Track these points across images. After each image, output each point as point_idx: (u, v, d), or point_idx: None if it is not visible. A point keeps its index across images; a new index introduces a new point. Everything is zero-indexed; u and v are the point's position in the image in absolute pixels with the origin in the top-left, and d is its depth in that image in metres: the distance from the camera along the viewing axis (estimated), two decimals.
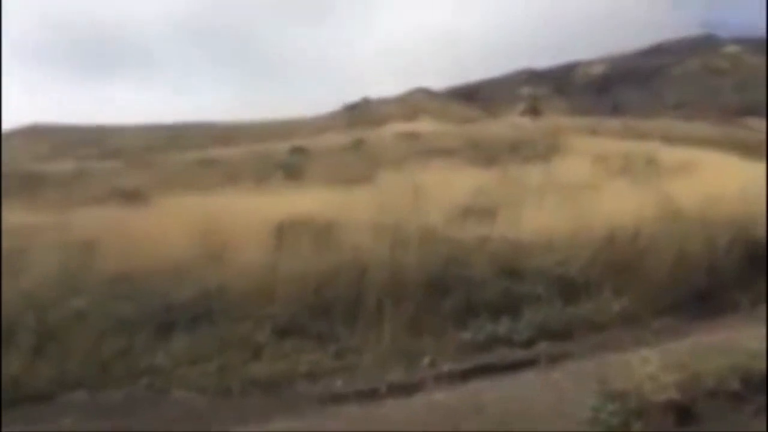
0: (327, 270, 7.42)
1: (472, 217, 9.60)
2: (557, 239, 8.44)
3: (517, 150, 22.80)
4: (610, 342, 6.61)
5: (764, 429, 4.26)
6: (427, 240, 8.16)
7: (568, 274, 7.82)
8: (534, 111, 51.98)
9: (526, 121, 40.54)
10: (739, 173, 13.13)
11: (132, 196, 12.55)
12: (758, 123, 46.25)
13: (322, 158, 22.33)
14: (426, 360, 6.38)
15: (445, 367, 6.22)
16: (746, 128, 41.76)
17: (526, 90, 71.45)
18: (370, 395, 5.69)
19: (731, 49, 76.89)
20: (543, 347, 6.71)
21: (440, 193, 11.12)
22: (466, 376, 6.01)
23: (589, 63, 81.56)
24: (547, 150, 21.75)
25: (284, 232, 8.32)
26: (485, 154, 20.71)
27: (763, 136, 30.39)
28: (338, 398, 5.69)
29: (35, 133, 51.82)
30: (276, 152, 26.15)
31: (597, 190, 11.44)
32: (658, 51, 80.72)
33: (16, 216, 9.45)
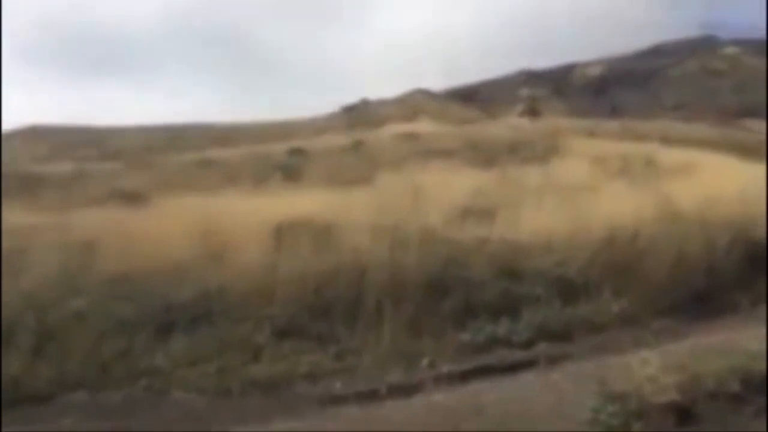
0: (326, 271, 7.42)
1: (471, 218, 9.60)
2: (556, 240, 8.44)
3: (516, 151, 22.81)
4: (610, 343, 6.61)
5: (764, 430, 4.27)
6: (427, 241, 8.16)
7: (567, 275, 7.82)
8: (533, 112, 52.02)
9: (525, 122, 40.57)
10: (738, 174, 13.15)
11: (131, 197, 12.55)
12: (757, 124, 46.32)
13: (320, 159, 22.33)
14: (425, 361, 6.38)
15: (445, 368, 6.22)
16: (745, 129, 41.81)
17: (524, 91, 71.44)
18: (370, 396, 5.69)
19: (730, 50, 76.95)
20: (542, 348, 6.71)
21: (439, 194, 11.12)
22: (465, 377, 6.01)
23: (587, 64, 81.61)
24: (545, 151, 21.77)
25: (283, 233, 8.32)
26: (484, 155, 20.72)
27: (762, 138, 30.43)
28: (338, 399, 5.69)
29: (34, 135, 51.78)
30: (275, 153, 26.15)
31: (596, 192, 11.45)
32: (656, 52, 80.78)
33: (16, 217, 9.45)
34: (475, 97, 73.56)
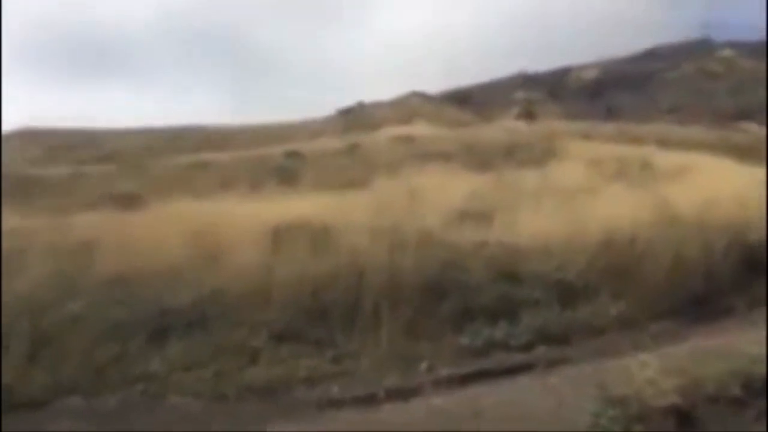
0: (323, 274, 7.40)
1: (469, 221, 9.57)
2: (554, 244, 8.42)
3: (512, 154, 22.79)
4: (608, 346, 6.59)
5: None
6: (424, 244, 8.13)
7: (565, 278, 7.81)
8: (528, 115, 51.96)
9: (521, 125, 40.55)
10: (735, 177, 13.14)
11: (127, 200, 12.48)
12: (753, 127, 46.44)
13: (317, 162, 22.30)
14: (424, 365, 6.35)
15: (443, 371, 6.20)
16: (741, 132, 41.89)
17: (520, 94, 71.47)
18: (368, 400, 5.67)
19: (726, 53, 77.12)
20: (541, 351, 6.69)
21: (436, 198, 11.11)
22: (464, 380, 5.99)
23: (583, 67, 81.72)
24: (542, 154, 21.73)
25: (280, 236, 8.29)
26: (480, 158, 20.69)
27: (759, 140, 30.46)
28: (336, 403, 5.68)
29: (28, 137, 51.59)
30: (271, 156, 26.11)
31: (593, 195, 11.43)
32: (651, 55, 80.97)
33: (11, 219, 9.39)
34: (471, 100, 73.54)
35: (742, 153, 20.87)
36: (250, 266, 7.45)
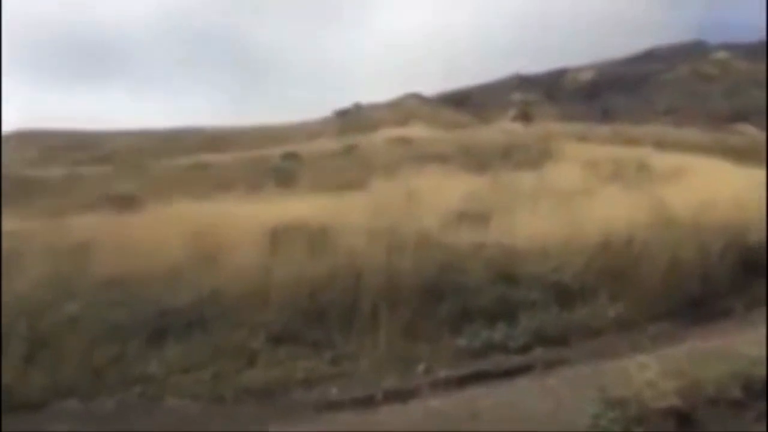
0: (321, 276, 7.40)
1: (466, 222, 9.58)
2: (551, 245, 8.43)
3: (509, 156, 22.77)
4: (606, 348, 6.60)
5: None
6: (422, 246, 8.14)
7: (563, 280, 7.82)
8: (525, 117, 52.01)
9: (518, 127, 40.60)
10: (732, 179, 13.18)
11: (125, 202, 12.47)
12: (749, 128, 46.57)
13: (314, 164, 22.28)
14: (422, 366, 6.35)
15: (441, 373, 6.20)
16: (737, 133, 42.01)
17: (516, 96, 71.55)
18: (366, 402, 5.66)
19: (720, 55, 77.35)
20: (539, 353, 6.70)
21: (433, 199, 11.11)
22: (462, 382, 5.99)
23: (579, 69, 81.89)
24: (538, 156, 21.74)
25: (278, 237, 8.29)
26: (477, 160, 20.67)
27: (754, 142, 30.55)
28: (334, 405, 5.67)
29: (26, 138, 51.51)
30: (268, 158, 26.10)
31: (589, 196, 11.45)
32: (647, 57, 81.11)
33: (9, 221, 9.37)
34: (468, 102, 73.63)
35: (738, 155, 20.92)
36: (248, 267, 7.45)
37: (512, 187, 13.47)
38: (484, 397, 5.60)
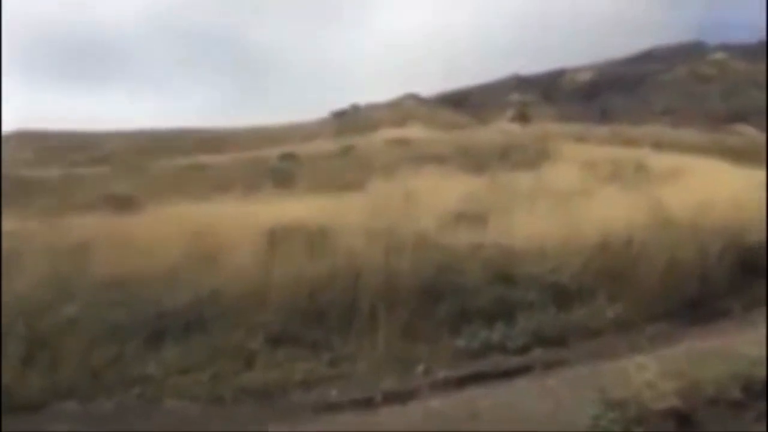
0: (320, 277, 7.39)
1: (464, 223, 9.58)
2: (549, 246, 8.43)
3: (507, 156, 22.80)
4: (605, 348, 6.61)
5: None
6: (420, 246, 8.13)
7: (561, 280, 7.82)
8: (523, 117, 52.10)
9: (516, 128, 40.65)
10: (730, 179, 13.19)
11: (122, 203, 12.45)
12: (747, 129, 46.65)
13: (312, 164, 22.29)
14: (421, 367, 6.35)
15: (440, 374, 6.19)
16: (735, 134, 42.07)
17: (514, 96, 71.64)
18: (365, 403, 5.66)
19: (719, 55, 77.48)
20: (537, 354, 6.70)
21: (432, 200, 11.11)
22: (461, 383, 5.99)
23: (577, 70, 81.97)
24: (536, 156, 21.76)
25: (276, 238, 8.28)
26: (475, 161, 20.68)
27: (753, 142, 30.59)
28: (333, 407, 5.66)
29: (24, 139, 51.43)
30: (266, 158, 26.11)
31: (587, 197, 11.45)
32: (645, 58, 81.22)
33: (8, 222, 9.34)
34: (466, 103, 73.68)
35: (736, 155, 20.96)
36: (246, 269, 7.44)
37: (510, 187, 13.47)
38: (483, 398, 5.60)
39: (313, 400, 5.83)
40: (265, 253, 7.90)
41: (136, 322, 6.61)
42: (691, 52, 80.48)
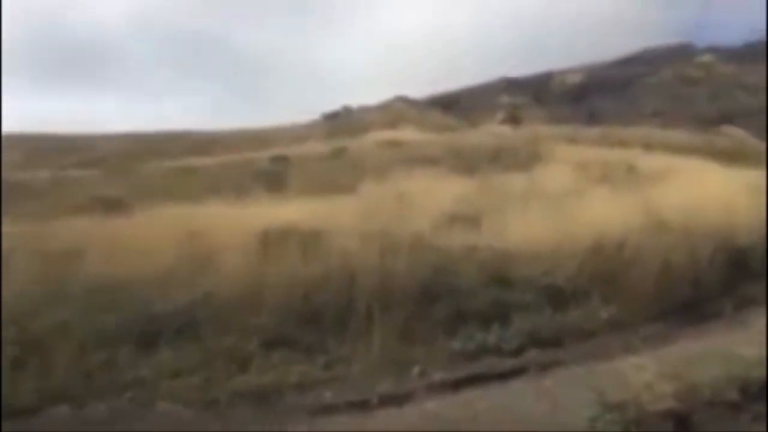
0: (314, 279, 7.36)
1: (458, 225, 9.59)
2: (544, 247, 8.45)
3: (498, 158, 22.83)
4: (600, 349, 6.62)
5: None
6: (414, 249, 8.13)
7: (555, 282, 7.84)
8: (513, 120, 52.25)
9: (506, 130, 40.74)
10: (720, 180, 13.28)
11: (113, 205, 12.37)
12: (736, 131, 46.97)
13: (304, 167, 22.24)
14: (416, 369, 6.33)
15: (436, 376, 6.18)
16: (725, 135, 42.34)
17: (504, 99, 71.77)
18: (361, 406, 5.64)
19: (706, 58, 77.87)
20: (533, 355, 6.70)
21: (424, 202, 11.13)
22: (457, 385, 5.98)
23: (566, 72, 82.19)
24: (527, 158, 21.82)
25: (269, 240, 8.25)
26: (467, 163, 20.70)
27: (742, 144, 30.81)
28: (328, 409, 5.63)
29: (10, 142, 51.02)
30: (257, 161, 26.03)
31: (580, 199, 11.49)
32: (634, 60, 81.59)
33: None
34: (456, 105, 73.75)
35: (725, 157, 21.11)
36: (240, 271, 7.40)
37: (503, 189, 13.52)
38: (480, 400, 5.60)
39: (308, 402, 5.79)
40: (258, 255, 7.87)
41: (129, 325, 6.56)
42: (680, 54, 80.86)
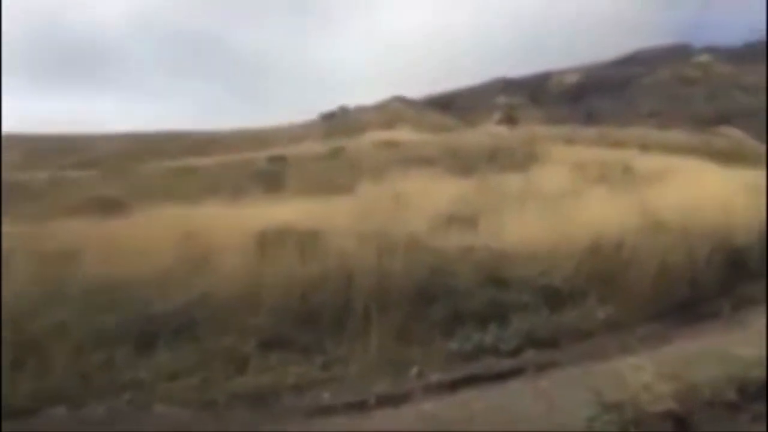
0: (311, 279, 7.36)
1: (455, 225, 9.59)
2: (540, 248, 8.45)
3: (495, 159, 22.85)
4: (597, 349, 6.63)
5: None
6: (411, 249, 8.13)
7: (552, 282, 7.84)
8: (510, 120, 52.27)
9: (503, 130, 40.77)
10: (717, 180, 13.31)
11: (111, 206, 12.37)
12: (734, 131, 47.05)
13: (301, 167, 22.25)
14: (414, 370, 6.33)
15: (433, 377, 6.18)
16: (722, 136, 42.41)
17: (501, 99, 71.78)
18: (358, 407, 5.64)
19: (703, 58, 77.96)
20: (530, 355, 6.70)
21: (422, 202, 11.13)
22: (454, 386, 5.98)
23: (563, 72, 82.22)
24: (524, 158, 21.83)
25: (267, 240, 8.25)
26: (464, 163, 20.72)
27: (739, 144, 30.88)
28: (326, 410, 5.63)
29: (8, 143, 50.93)
30: (255, 161, 26.03)
31: (577, 199, 11.50)
32: (632, 60, 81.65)
33: None
34: (452, 105, 73.78)
35: (723, 157, 21.15)
36: (237, 272, 7.40)
37: (499, 190, 13.52)
38: (477, 401, 5.60)
39: (305, 403, 5.79)
40: (256, 255, 7.87)
41: (126, 326, 6.55)
42: (677, 54, 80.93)
